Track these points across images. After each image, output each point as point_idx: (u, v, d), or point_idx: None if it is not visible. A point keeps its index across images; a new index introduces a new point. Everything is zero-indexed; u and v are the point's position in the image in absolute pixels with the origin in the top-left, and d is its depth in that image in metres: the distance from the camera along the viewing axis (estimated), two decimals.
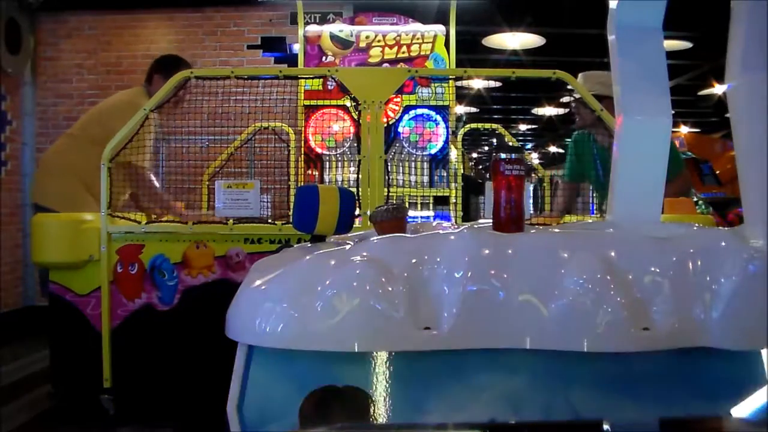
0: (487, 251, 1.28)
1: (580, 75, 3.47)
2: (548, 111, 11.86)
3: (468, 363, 1.26)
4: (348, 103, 4.21)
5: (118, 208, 3.24)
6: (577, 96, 3.48)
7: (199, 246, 3.00)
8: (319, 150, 4.56)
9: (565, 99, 3.84)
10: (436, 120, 4.52)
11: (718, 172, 8.31)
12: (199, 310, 2.78)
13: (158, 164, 3.72)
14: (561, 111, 11.41)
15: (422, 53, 4.67)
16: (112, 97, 3.71)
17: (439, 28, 4.72)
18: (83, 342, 2.98)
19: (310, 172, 4.53)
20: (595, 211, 3.75)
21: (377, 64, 4.67)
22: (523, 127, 15.33)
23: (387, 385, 1.26)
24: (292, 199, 3.20)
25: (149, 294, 3.00)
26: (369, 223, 2.09)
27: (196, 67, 3.88)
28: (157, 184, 3.39)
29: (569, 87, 3.45)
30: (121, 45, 5.89)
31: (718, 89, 9.46)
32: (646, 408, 1.25)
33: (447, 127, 4.51)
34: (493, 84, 9.33)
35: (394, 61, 4.67)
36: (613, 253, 1.29)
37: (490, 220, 1.51)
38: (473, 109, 12.00)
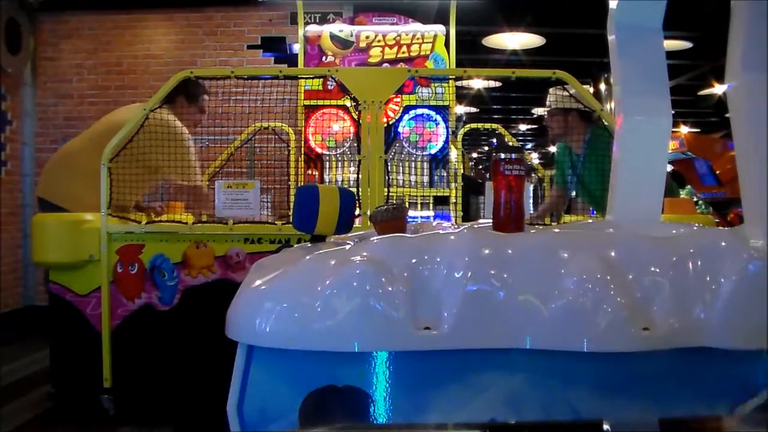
0: (487, 251, 1.28)
1: (551, 89, 3.66)
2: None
3: (468, 363, 1.26)
4: (348, 103, 4.21)
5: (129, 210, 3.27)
6: (548, 108, 3.63)
7: (199, 246, 3.00)
8: (319, 150, 4.56)
9: (539, 111, 4.04)
10: (436, 120, 4.52)
11: (718, 172, 8.30)
12: (199, 310, 2.79)
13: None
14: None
15: (422, 53, 4.67)
16: (128, 109, 3.67)
17: (439, 28, 4.72)
18: (83, 342, 2.98)
19: (310, 172, 4.52)
20: (595, 213, 3.76)
21: (377, 64, 4.67)
22: (523, 127, 15.32)
23: (387, 385, 1.26)
24: (292, 199, 3.20)
25: (149, 294, 3.00)
26: (369, 223, 2.09)
27: (196, 67, 3.88)
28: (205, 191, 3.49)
29: (547, 101, 3.58)
30: (121, 45, 5.89)
31: (718, 89, 9.45)
32: (646, 408, 1.25)
33: (447, 127, 4.51)
34: (493, 84, 9.32)
35: (394, 61, 4.67)
36: (613, 253, 1.29)
37: (490, 220, 1.51)
38: (473, 109, 11.99)
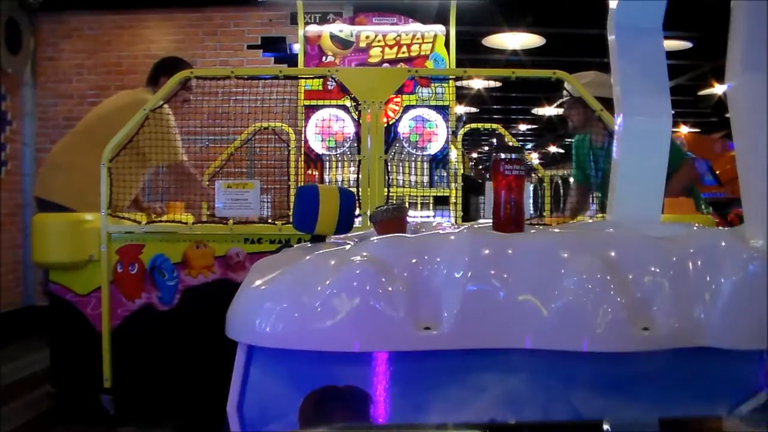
0: (487, 251, 1.28)
1: (576, 76, 3.44)
2: (548, 111, 11.87)
3: (468, 363, 1.26)
4: (348, 103, 4.21)
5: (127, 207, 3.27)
6: (567, 98, 3.49)
7: (199, 246, 3.00)
8: (319, 150, 4.56)
9: (558, 102, 3.78)
10: (435, 121, 4.52)
11: (718, 172, 8.31)
12: (199, 310, 2.78)
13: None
14: (561, 111, 11.41)
15: (422, 53, 4.67)
16: (117, 97, 3.70)
17: (439, 28, 4.72)
18: (83, 342, 2.98)
19: (310, 172, 4.52)
20: (595, 210, 3.74)
21: (377, 64, 4.67)
22: (523, 127, 15.33)
23: (387, 385, 1.26)
24: (292, 199, 3.20)
25: (149, 294, 3.00)
26: (369, 223, 2.09)
27: (196, 67, 3.88)
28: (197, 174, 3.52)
29: (564, 91, 3.44)
30: (121, 45, 5.89)
31: (718, 89, 9.46)
32: (646, 408, 1.25)
33: (447, 127, 4.51)
34: (493, 84, 9.33)
35: (394, 61, 4.67)
36: (613, 253, 1.29)
37: (490, 220, 1.51)
38: (473, 109, 12.00)
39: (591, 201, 3.76)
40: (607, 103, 3.32)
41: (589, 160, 3.63)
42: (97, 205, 2.98)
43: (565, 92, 3.48)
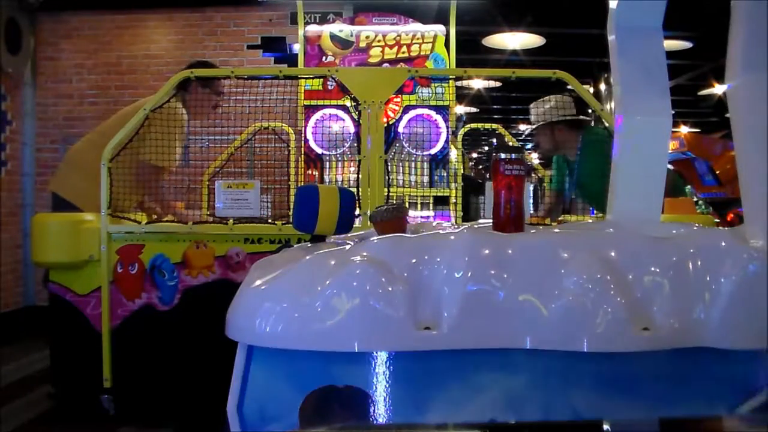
0: (487, 251, 1.28)
1: (538, 102, 3.68)
2: None
3: (468, 363, 1.26)
4: (348, 103, 4.21)
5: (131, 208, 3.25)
6: (533, 126, 3.69)
7: (199, 246, 3.00)
8: (319, 150, 4.56)
9: (526, 129, 4.05)
10: (437, 121, 4.52)
11: (718, 172, 8.29)
12: (199, 310, 2.79)
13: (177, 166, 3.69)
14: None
15: (422, 53, 4.67)
16: (143, 101, 3.68)
17: (439, 28, 4.71)
18: (83, 342, 2.98)
19: (310, 172, 4.52)
20: (595, 213, 3.76)
21: (377, 64, 4.67)
22: (523, 127, 15.31)
23: (387, 385, 1.26)
24: (292, 199, 3.20)
25: (149, 294, 3.00)
26: (369, 223, 2.09)
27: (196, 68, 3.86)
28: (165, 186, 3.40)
29: (531, 118, 3.57)
30: (121, 45, 5.89)
31: (718, 89, 9.46)
32: (646, 408, 1.25)
33: (447, 127, 4.50)
34: (493, 84, 9.32)
35: (394, 61, 4.66)
36: (613, 253, 1.29)
37: (490, 220, 1.51)
38: (473, 109, 11.99)
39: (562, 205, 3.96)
40: (570, 125, 3.57)
41: (566, 174, 3.74)
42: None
43: (532, 119, 3.64)
